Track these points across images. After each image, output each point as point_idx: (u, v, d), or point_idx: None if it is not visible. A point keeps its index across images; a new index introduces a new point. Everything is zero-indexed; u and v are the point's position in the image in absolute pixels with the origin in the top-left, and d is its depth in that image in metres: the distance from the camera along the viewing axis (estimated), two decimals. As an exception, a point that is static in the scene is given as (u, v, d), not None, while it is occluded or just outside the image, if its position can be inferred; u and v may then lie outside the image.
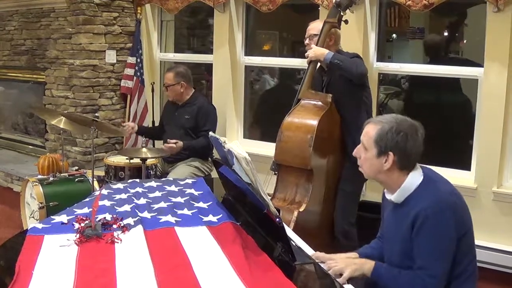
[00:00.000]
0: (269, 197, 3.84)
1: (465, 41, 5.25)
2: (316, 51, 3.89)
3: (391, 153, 2.38)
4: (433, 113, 5.21)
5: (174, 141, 4.68)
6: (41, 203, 4.34)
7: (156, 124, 5.72)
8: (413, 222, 2.33)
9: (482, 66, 4.35)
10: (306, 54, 3.97)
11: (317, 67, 4.05)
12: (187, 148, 4.79)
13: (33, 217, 4.48)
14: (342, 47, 4.13)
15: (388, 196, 2.51)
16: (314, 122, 3.78)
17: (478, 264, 4.29)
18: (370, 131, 2.44)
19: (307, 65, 4.02)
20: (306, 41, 4.11)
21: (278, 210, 2.32)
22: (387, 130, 2.38)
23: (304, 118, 3.87)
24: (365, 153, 2.47)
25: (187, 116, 4.94)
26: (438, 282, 2.32)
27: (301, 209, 3.71)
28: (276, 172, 4.02)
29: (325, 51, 3.84)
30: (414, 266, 2.36)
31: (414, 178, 2.41)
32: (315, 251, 2.57)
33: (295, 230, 3.41)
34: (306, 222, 3.71)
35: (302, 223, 3.65)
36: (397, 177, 2.42)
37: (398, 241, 2.44)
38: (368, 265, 2.43)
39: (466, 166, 4.56)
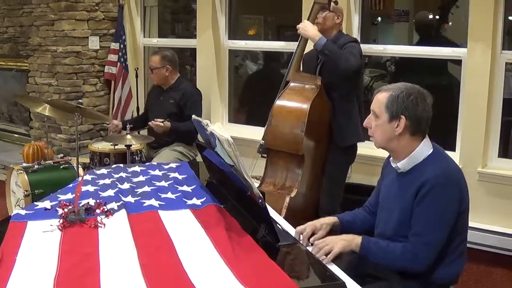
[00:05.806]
0: (258, 181, 3.86)
1: (450, 23, 5.23)
2: (307, 30, 3.79)
3: (402, 117, 2.39)
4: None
5: (161, 120, 4.65)
6: (26, 191, 4.31)
7: (142, 112, 5.69)
8: (417, 190, 2.35)
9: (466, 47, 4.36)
10: (297, 26, 3.87)
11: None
12: (174, 129, 4.75)
13: (18, 205, 4.44)
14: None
15: (394, 164, 2.51)
16: (305, 106, 3.72)
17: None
18: (381, 98, 2.45)
19: (298, 42, 3.92)
20: None
21: (263, 194, 2.32)
22: (398, 94, 2.40)
23: (295, 102, 3.81)
24: (376, 120, 2.47)
25: (171, 101, 4.91)
26: (431, 250, 2.33)
27: (292, 195, 3.71)
28: (264, 155, 3.98)
29: (317, 36, 3.73)
30: (409, 233, 2.37)
31: (424, 148, 2.43)
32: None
33: (287, 215, 3.41)
34: (296, 207, 3.71)
35: (293, 208, 3.65)
36: (408, 143, 2.43)
37: (397, 209, 2.45)
38: (356, 240, 2.43)
39: (451, 146, 4.57)
